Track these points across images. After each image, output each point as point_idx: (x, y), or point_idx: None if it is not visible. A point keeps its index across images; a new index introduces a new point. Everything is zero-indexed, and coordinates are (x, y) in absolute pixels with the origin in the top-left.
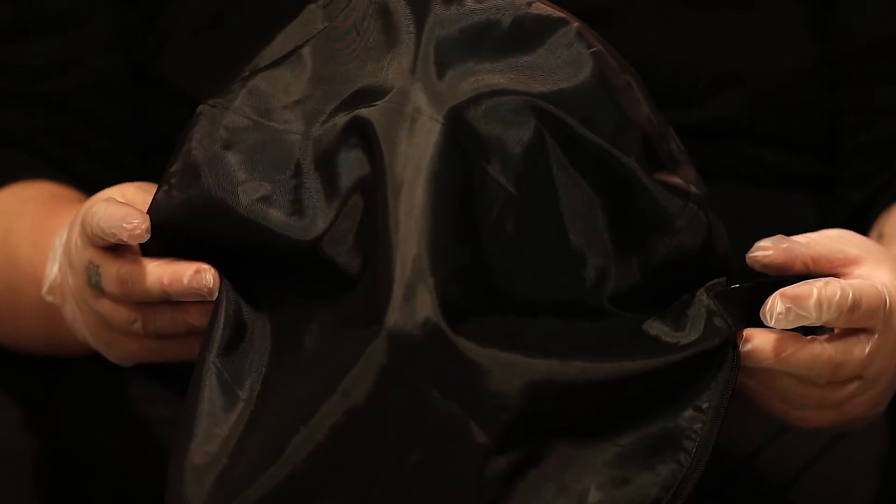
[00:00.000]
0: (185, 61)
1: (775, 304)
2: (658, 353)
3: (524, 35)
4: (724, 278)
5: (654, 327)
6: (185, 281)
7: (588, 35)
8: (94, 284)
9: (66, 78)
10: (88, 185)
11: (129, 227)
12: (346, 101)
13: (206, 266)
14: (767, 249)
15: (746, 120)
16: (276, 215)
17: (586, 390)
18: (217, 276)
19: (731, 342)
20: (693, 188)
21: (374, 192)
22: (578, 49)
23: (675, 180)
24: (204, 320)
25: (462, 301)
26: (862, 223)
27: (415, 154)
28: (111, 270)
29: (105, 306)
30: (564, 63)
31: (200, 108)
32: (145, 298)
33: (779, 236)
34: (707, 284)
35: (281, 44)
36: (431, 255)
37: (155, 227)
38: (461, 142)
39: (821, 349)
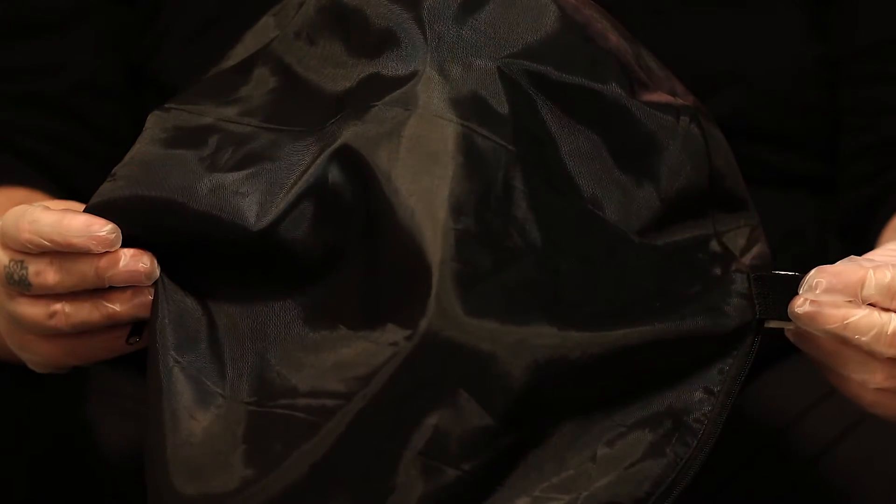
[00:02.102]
0: (182, 63)
1: (811, 279)
2: (670, 313)
3: None
4: (768, 254)
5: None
6: (122, 263)
7: None
8: (18, 280)
9: (57, 78)
10: (77, 186)
11: (112, 236)
12: (326, 104)
13: (142, 251)
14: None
15: (746, 120)
16: (230, 205)
17: (591, 366)
18: (154, 261)
19: (753, 329)
20: (681, 100)
21: (370, 194)
22: None
23: (662, 97)
24: (126, 306)
25: (472, 274)
26: (865, 223)
27: (408, 148)
28: (41, 262)
29: (21, 305)
30: (523, 13)
31: (152, 113)
32: (78, 286)
33: (851, 257)
34: (752, 265)
35: (242, 52)
36: (444, 244)
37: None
38: (449, 117)
39: (888, 318)
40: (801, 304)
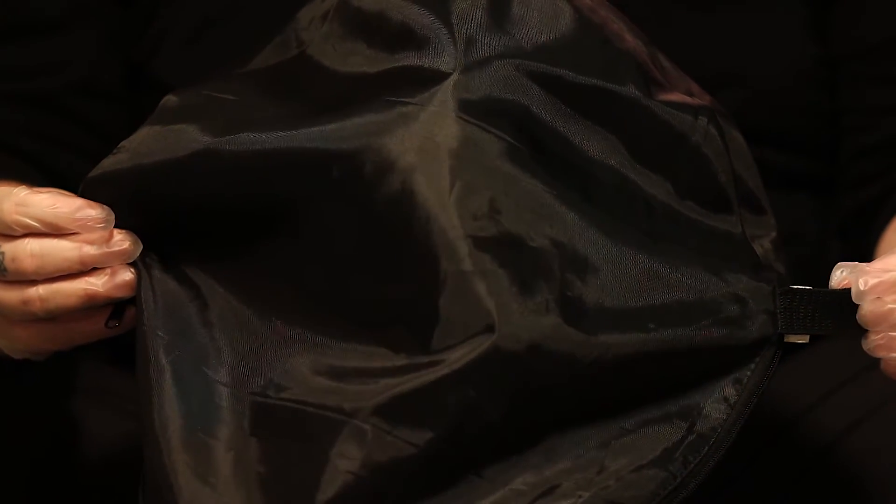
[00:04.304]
0: (182, 63)
1: (858, 282)
2: (687, 320)
3: None
4: (783, 271)
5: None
6: (109, 246)
7: None
8: None
9: (55, 78)
10: (73, 186)
11: (109, 218)
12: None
13: (124, 231)
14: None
15: (747, 120)
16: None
17: (604, 371)
18: (138, 240)
19: (774, 342)
20: (697, 100)
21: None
22: None
23: (679, 97)
24: (108, 286)
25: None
26: (867, 224)
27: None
28: (19, 248)
29: None
30: (540, 15)
31: (166, 97)
32: (56, 272)
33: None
34: (780, 279)
35: (262, 60)
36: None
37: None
38: (462, 117)
39: None
40: (868, 308)
